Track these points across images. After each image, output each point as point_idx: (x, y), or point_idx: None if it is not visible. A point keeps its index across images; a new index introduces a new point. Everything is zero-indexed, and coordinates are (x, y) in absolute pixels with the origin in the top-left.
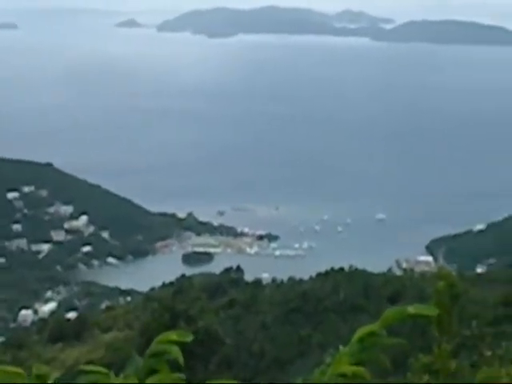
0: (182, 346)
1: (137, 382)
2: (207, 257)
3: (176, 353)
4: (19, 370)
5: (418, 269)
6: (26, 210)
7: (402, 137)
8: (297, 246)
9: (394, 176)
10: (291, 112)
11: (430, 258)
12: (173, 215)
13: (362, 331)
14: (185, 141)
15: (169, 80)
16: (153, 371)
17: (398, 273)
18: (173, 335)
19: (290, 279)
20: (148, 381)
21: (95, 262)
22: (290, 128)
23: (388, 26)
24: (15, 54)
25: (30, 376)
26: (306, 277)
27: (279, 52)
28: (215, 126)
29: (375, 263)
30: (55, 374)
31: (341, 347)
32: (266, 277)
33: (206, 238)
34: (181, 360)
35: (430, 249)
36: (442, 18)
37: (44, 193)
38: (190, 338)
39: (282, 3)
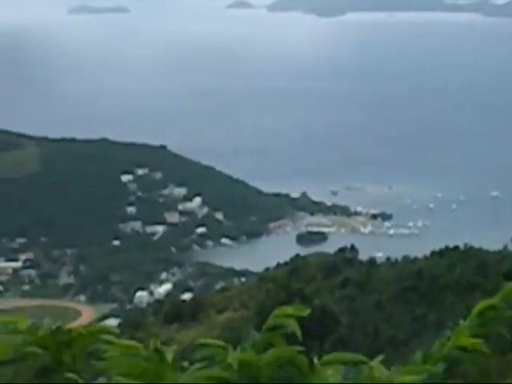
0: (299, 323)
1: (254, 355)
2: (321, 237)
3: (293, 326)
4: (138, 344)
5: None
6: (140, 193)
7: None
8: (411, 224)
9: (508, 152)
10: (403, 89)
11: None
12: (286, 195)
13: (481, 305)
14: (298, 120)
15: (282, 60)
16: (270, 345)
17: None
18: (290, 309)
19: (405, 258)
20: (266, 355)
21: (209, 243)
22: (402, 105)
23: (500, 1)
24: (128, 37)
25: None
26: (420, 255)
27: (389, 29)
28: (328, 105)
29: (490, 241)
30: (173, 349)
31: (461, 321)
32: (380, 256)
33: (319, 218)
34: (298, 334)
35: None
36: None
37: (158, 175)
38: (306, 313)
39: None
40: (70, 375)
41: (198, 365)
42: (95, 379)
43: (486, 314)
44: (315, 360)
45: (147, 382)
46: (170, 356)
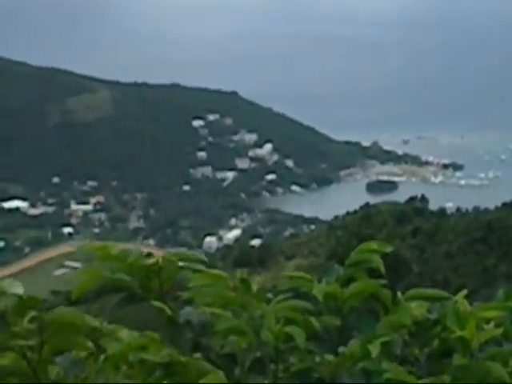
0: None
1: (339, 288)
2: (391, 185)
3: (377, 261)
4: (222, 273)
5: None
6: (210, 138)
7: None
8: (482, 175)
9: None
10: (483, 43)
11: None
12: (357, 143)
13: None
14: (372, 70)
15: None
16: (352, 280)
17: None
18: (373, 245)
19: (475, 209)
20: (350, 288)
21: (279, 190)
22: (477, 57)
23: None
24: None
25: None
26: (491, 207)
27: None
28: (403, 54)
29: None
30: (257, 281)
31: None
32: (450, 206)
33: (390, 167)
34: (382, 268)
35: None
36: None
37: (229, 121)
38: (390, 249)
39: None
40: (157, 303)
41: (282, 296)
42: (181, 308)
43: None
44: (399, 294)
45: (232, 311)
46: (255, 286)
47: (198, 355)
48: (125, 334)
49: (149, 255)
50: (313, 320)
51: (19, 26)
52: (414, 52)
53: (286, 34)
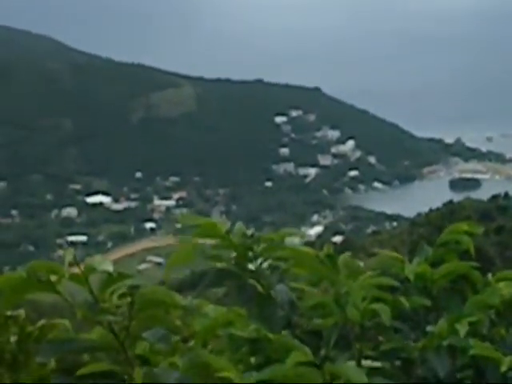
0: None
1: (429, 269)
2: (475, 183)
3: (467, 242)
4: (311, 250)
5: None
6: (293, 135)
7: None
8: None
9: None
10: None
11: None
12: (440, 140)
13: None
14: (454, 66)
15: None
16: (442, 260)
17: None
18: (464, 226)
19: None
20: (440, 269)
21: (361, 187)
22: None
23: None
24: None
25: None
26: None
27: None
28: (487, 52)
29: None
30: (344, 257)
31: None
32: None
33: (473, 164)
34: (471, 250)
35: None
36: None
37: (312, 117)
38: (480, 230)
39: None
40: (251, 281)
41: (370, 273)
42: (273, 287)
43: None
44: (489, 276)
45: (322, 288)
46: (341, 263)
47: (284, 332)
48: (211, 309)
49: (251, 236)
50: (402, 299)
51: (106, 23)
52: (500, 52)
53: (367, 31)
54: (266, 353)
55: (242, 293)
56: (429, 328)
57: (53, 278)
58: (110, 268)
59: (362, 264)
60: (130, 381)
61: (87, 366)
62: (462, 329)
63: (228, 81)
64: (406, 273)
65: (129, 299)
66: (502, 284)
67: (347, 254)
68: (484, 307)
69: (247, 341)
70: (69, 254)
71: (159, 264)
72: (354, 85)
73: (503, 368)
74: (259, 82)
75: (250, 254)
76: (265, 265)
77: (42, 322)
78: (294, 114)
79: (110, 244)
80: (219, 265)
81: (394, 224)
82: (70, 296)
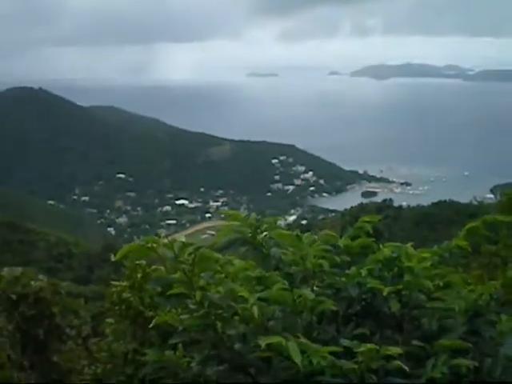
0: None
1: (350, 241)
2: (374, 194)
3: (369, 227)
4: (291, 233)
5: None
6: (281, 169)
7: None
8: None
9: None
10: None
11: None
12: (356, 171)
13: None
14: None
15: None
16: (357, 237)
17: None
18: (367, 218)
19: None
20: (356, 242)
21: (316, 195)
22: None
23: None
24: (277, 92)
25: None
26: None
27: (414, 89)
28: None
29: None
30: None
31: None
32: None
33: (373, 184)
34: (370, 231)
35: None
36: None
37: (290, 160)
38: (377, 219)
39: (415, 61)
40: (259, 245)
41: (319, 242)
42: (270, 249)
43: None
44: (381, 246)
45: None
46: (304, 237)
47: (274, 272)
48: (237, 261)
49: (258, 219)
50: (335, 257)
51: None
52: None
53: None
54: (265, 284)
55: (254, 252)
56: (347, 271)
57: (155, 245)
58: (183, 239)
59: (316, 237)
60: (194, 298)
61: (173, 290)
62: (364, 272)
63: (248, 141)
64: (339, 243)
65: (193, 256)
66: (386, 249)
67: (307, 233)
68: (376, 261)
69: (255, 278)
70: (162, 234)
71: (213, 235)
72: (312, 143)
73: (384, 293)
74: (264, 142)
75: (258, 230)
76: (266, 237)
77: (153, 267)
78: (281, 158)
79: (187, 225)
80: (241, 236)
81: (333, 214)
82: (164, 255)
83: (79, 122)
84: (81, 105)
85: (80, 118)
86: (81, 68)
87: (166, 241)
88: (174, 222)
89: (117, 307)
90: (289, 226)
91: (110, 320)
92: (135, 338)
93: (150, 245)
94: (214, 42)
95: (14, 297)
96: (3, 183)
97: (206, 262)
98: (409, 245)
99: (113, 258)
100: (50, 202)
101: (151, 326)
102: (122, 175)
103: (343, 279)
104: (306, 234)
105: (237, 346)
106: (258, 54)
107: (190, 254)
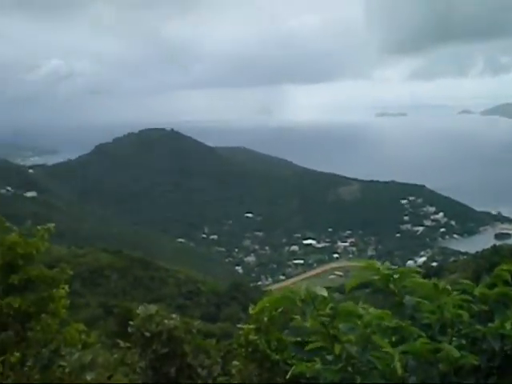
0: None
1: (487, 289)
2: (508, 236)
3: (506, 275)
4: (427, 281)
5: None
6: (410, 209)
7: None
8: None
9: None
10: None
11: None
12: (489, 213)
13: None
14: None
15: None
16: (494, 285)
17: None
18: (506, 266)
19: None
20: (493, 291)
21: (447, 237)
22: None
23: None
24: (406, 131)
25: None
26: None
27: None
28: None
29: None
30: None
31: None
32: None
33: (507, 225)
34: (509, 279)
35: None
36: None
37: (419, 200)
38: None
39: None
40: (393, 296)
41: (456, 292)
42: (404, 297)
43: None
44: None
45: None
46: (440, 285)
47: (408, 322)
48: (372, 309)
49: (395, 270)
50: (473, 306)
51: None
52: None
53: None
54: (400, 334)
55: (388, 300)
56: (490, 324)
57: (292, 295)
58: (325, 293)
59: (448, 286)
60: (332, 350)
61: (311, 343)
62: (508, 325)
63: (377, 181)
64: (475, 292)
65: (331, 309)
66: None
67: (443, 283)
68: None
69: (391, 328)
70: (303, 287)
71: (340, 276)
72: (442, 184)
73: None
74: (393, 181)
75: (391, 279)
76: (400, 286)
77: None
78: (410, 198)
79: (314, 265)
80: (373, 282)
81: (465, 257)
82: (303, 308)
83: (209, 162)
84: (210, 145)
85: (210, 159)
86: (210, 109)
87: (305, 292)
88: (301, 261)
89: (243, 349)
90: (418, 268)
91: (235, 362)
92: (261, 381)
93: (288, 296)
94: (343, 82)
95: (148, 334)
96: (135, 222)
97: (346, 316)
98: None
99: (251, 311)
100: (180, 239)
101: (288, 377)
102: (250, 214)
103: (482, 329)
104: (442, 282)
105: None
106: (388, 94)
107: (331, 309)
